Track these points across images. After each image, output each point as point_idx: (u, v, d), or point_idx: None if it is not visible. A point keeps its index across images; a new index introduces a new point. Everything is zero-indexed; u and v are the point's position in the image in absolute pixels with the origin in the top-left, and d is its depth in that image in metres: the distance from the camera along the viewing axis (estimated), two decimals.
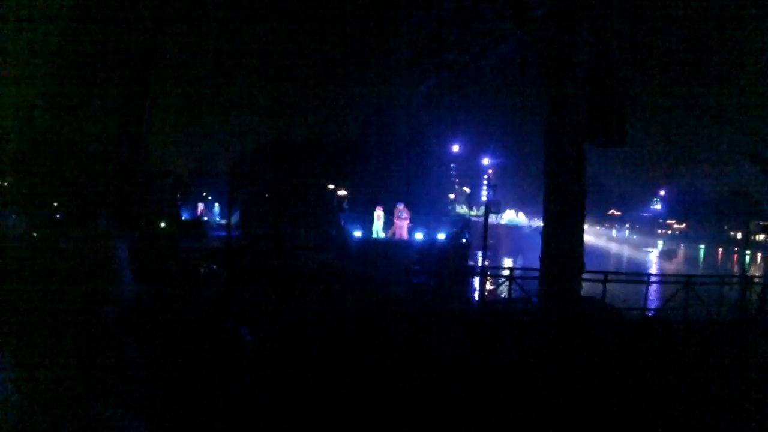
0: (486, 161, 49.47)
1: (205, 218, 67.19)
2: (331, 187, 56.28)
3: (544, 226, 10.75)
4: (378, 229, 30.44)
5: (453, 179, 64.44)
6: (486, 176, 49.85)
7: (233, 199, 64.74)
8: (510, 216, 68.21)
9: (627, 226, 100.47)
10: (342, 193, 55.29)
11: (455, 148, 52.24)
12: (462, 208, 50.22)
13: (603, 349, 9.07)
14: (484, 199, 42.52)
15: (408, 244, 25.95)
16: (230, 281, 15.23)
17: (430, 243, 24.78)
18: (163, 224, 43.54)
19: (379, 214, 30.19)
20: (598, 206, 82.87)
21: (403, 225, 27.60)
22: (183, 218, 62.95)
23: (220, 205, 75.45)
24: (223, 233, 53.83)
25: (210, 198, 76.65)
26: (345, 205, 45.71)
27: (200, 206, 75.03)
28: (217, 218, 72.23)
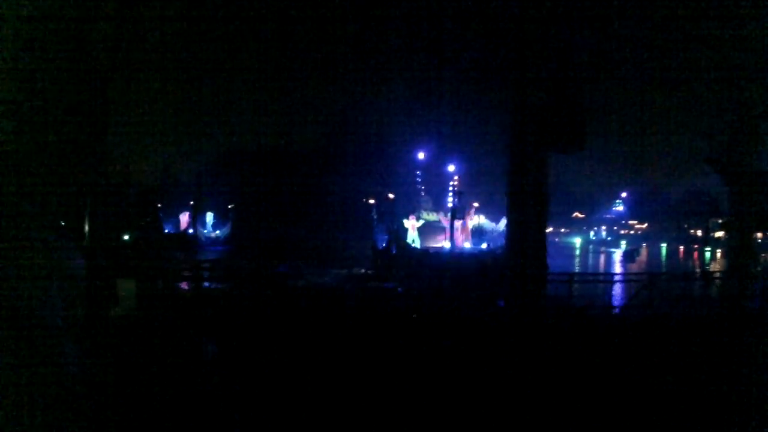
0: (452, 168, 49.92)
1: (191, 231, 57.35)
2: (372, 201, 50.97)
3: (508, 231, 11.04)
4: (414, 239, 29.36)
5: (419, 186, 64.83)
6: (452, 183, 50.28)
7: (226, 209, 60.55)
8: (477, 221, 68.89)
9: (604, 228, 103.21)
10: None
11: (421, 155, 52.63)
12: (430, 215, 50.47)
13: (567, 347, 9.34)
14: (450, 205, 42.98)
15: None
16: (198, 292, 15.20)
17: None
18: (126, 237, 40.45)
19: (413, 223, 29.05)
20: (562, 209, 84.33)
21: (464, 232, 27.04)
22: (166, 231, 55.00)
23: (215, 215, 62.51)
24: (218, 248, 50.22)
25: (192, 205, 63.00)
26: (374, 215, 42.81)
27: (183, 217, 60.29)
28: (208, 230, 60.28)
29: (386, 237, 33.72)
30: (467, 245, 40.41)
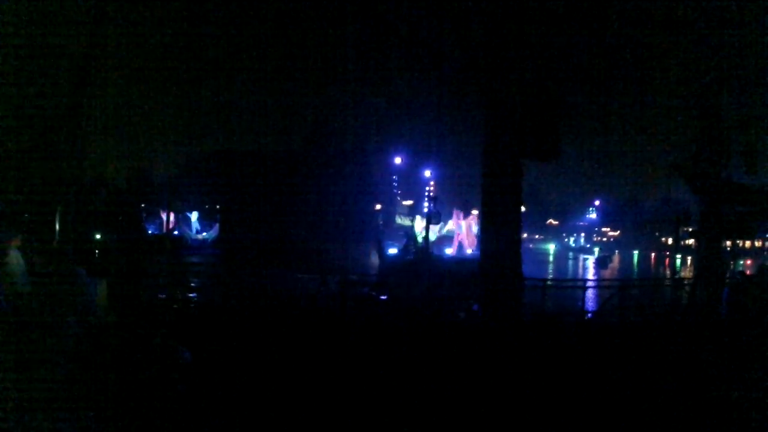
0: (428, 173, 50.12)
1: (175, 232, 54.54)
2: (378, 206, 47.82)
3: (482, 237, 11.13)
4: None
5: (396, 191, 64.74)
6: (427, 188, 50.44)
7: (215, 210, 57.93)
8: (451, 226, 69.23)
9: (583, 234, 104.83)
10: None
11: (397, 160, 52.71)
12: (403, 219, 50.49)
13: (541, 353, 9.45)
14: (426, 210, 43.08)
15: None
16: (175, 296, 15.03)
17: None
18: (98, 236, 38.96)
19: (420, 226, 28.49)
20: (537, 216, 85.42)
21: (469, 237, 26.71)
22: (149, 232, 52.85)
23: (200, 215, 58.91)
24: (206, 251, 48.13)
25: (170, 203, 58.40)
26: (380, 220, 41.45)
27: (165, 217, 57.60)
28: (194, 232, 57.14)
29: (398, 243, 33.07)
30: (469, 251, 40.82)
